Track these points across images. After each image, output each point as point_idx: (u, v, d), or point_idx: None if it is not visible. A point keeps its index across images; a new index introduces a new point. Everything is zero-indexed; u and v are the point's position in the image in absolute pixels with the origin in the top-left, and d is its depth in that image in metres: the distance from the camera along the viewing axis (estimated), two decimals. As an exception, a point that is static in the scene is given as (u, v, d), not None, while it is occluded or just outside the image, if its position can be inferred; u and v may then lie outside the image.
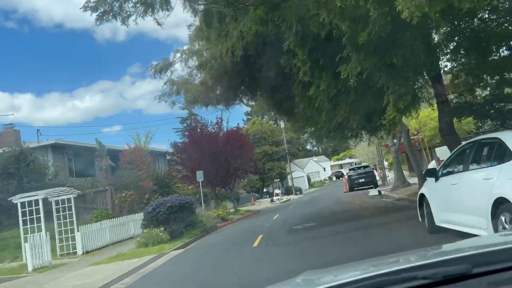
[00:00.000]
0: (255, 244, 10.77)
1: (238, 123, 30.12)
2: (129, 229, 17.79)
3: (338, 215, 14.65)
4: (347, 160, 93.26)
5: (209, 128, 24.70)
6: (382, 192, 21.00)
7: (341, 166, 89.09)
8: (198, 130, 24.32)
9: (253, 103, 17.27)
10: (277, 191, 38.93)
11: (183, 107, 19.73)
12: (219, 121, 25.23)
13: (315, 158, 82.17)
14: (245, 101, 16.35)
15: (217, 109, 16.63)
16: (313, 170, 75.52)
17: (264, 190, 65.35)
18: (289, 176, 63.28)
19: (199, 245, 13.88)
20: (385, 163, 35.75)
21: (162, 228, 14.75)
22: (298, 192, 61.09)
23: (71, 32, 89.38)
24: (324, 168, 78.46)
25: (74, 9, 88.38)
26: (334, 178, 77.06)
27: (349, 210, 16.10)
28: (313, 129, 14.55)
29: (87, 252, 14.72)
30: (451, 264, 1.38)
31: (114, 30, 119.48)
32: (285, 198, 41.21)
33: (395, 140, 20.97)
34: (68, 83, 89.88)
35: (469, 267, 1.34)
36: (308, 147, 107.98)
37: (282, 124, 67.53)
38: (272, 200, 35.98)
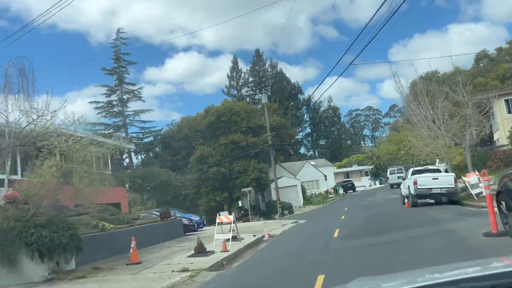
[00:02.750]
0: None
1: None
2: None
3: None
4: (355, 168, 68.80)
5: None
6: None
7: (347, 174, 64.50)
8: None
9: None
10: (224, 217, 13.67)
11: None
12: None
13: (312, 162, 57.36)
14: None
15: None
16: (310, 178, 50.84)
17: (240, 204, 40.40)
18: (272, 185, 38.06)
19: None
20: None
21: None
22: (286, 212, 36.07)
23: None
24: (326, 176, 53.54)
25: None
26: (340, 191, 52.26)
27: None
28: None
29: None
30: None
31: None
32: (251, 234, 16.19)
33: None
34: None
35: None
36: (302, 150, 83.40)
37: (263, 99, 42.45)
38: (199, 250, 10.88)
